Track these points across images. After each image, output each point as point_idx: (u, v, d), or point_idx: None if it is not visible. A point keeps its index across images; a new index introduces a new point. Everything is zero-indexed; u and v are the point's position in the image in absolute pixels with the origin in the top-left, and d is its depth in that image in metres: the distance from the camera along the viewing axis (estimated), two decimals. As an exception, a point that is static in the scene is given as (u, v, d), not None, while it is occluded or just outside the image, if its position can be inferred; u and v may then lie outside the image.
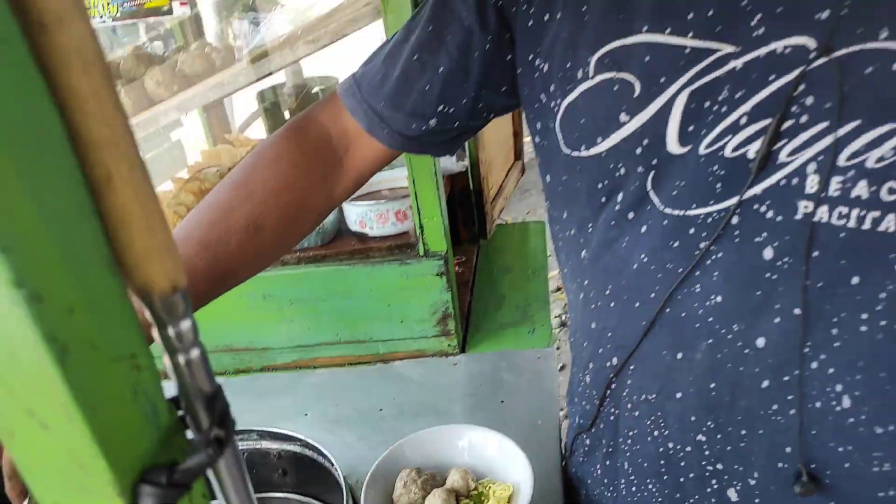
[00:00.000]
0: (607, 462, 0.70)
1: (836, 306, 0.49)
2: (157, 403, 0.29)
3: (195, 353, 0.27)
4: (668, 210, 0.53)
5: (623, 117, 0.52)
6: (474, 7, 0.60)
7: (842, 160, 0.46)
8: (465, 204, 1.55)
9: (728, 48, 0.47)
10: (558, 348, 2.72)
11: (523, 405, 1.02)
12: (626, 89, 0.52)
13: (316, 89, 1.83)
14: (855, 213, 0.47)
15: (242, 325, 1.20)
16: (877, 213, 0.47)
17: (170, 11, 1.05)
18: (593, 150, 0.55)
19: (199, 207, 0.63)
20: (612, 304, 0.60)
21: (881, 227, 0.46)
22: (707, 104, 0.49)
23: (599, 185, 0.57)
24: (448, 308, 1.14)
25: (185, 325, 0.27)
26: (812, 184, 0.48)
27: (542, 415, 0.99)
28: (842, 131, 0.46)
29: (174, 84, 1.07)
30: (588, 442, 0.72)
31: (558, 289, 2.92)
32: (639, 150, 0.53)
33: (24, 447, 0.27)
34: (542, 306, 1.28)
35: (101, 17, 1.05)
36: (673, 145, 0.51)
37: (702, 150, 0.50)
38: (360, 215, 1.16)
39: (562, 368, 2.52)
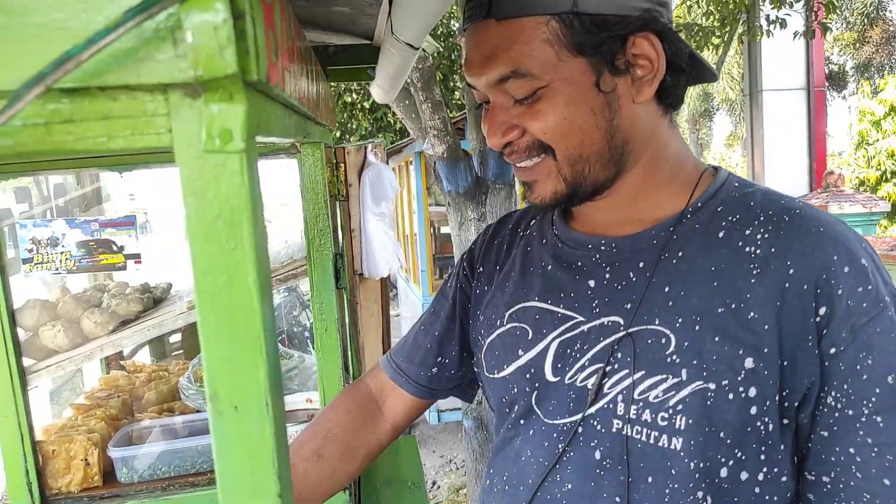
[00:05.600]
0: None
1: (641, 497, 0.68)
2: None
3: None
4: (545, 419, 0.77)
5: (520, 352, 0.80)
6: (452, 292, 0.93)
7: (636, 395, 0.69)
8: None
9: (580, 318, 0.76)
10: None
11: None
12: (523, 334, 0.80)
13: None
14: (645, 430, 0.68)
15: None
16: (655, 433, 0.67)
17: (124, 268, 1.21)
18: (500, 374, 0.81)
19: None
20: (506, 487, 0.81)
21: (660, 443, 0.67)
22: (568, 350, 0.76)
23: (504, 399, 0.82)
24: (348, 522, 1.27)
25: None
26: (620, 409, 0.70)
27: None
28: (636, 376, 0.69)
29: (110, 324, 1.20)
30: None
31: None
32: (528, 376, 0.79)
33: None
34: (424, 514, 1.45)
35: (58, 269, 1.18)
36: (549, 375, 0.78)
37: (566, 380, 0.76)
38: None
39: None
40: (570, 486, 0.74)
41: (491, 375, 0.83)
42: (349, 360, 1.72)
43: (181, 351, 1.89)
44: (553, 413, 0.76)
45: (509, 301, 0.83)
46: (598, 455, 0.72)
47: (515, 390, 0.80)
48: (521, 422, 0.80)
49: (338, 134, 7.61)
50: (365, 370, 1.73)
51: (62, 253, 1.20)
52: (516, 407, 0.80)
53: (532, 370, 0.78)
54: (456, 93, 7.73)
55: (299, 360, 1.62)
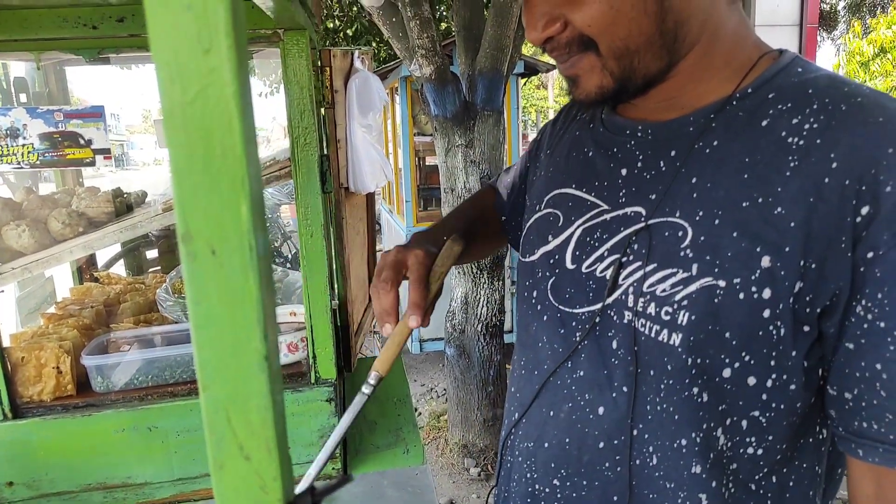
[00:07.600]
0: None
1: (647, 389, 0.68)
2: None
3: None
4: (560, 307, 0.76)
5: (549, 238, 0.79)
6: (527, 158, 1.00)
7: (645, 287, 0.67)
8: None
9: (605, 206, 0.74)
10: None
11: (409, 517, 1.13)
12: (555, 219, 0.79)
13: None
14: (648, 324, 0.67)
15: (120, 460, 1.18)
16: (657, 327, 0.66)
17: (93, 163, 1.12)
18: (530, 259, 0.82)
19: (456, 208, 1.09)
20: (523, 372, 0.82)
21: (660, 338, 0.66)
22: (588, 239, 0.74)
23: (527, 283, 0.82)
24: (334, 432, 1.23)
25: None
26: (631, 301, 0.68)
27: (427, 523, 1.11)
28: (647, 269, 0.67)
29: (79, 226, 1.12)
30: (496, 494, 0.89)
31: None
32: (551, 262, 0.78)
33: (228, 476, 0.38)
34: (411, 429, 1.42)
35: (20, 164, 1.08)
36: (568, 263, 0.76)
37: (583, 269, 0.74)
38: (252, 347, 1.24)
39: None
40: (581, 373, 0.73)
41: (523, 259, 0.84)
42: (335, 276, 1.66)
43: (158, 268, 1.82)
44: (569, 301, 0.75)
45: (550, 185, 0.83)
46: (614, 345, 0.71)
47: (539, 275, 0.80)
48: (538, 307, 0.80)
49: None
50: (350, 289, 1.68)
51: (24, 146, 1.09)
52: (535, 292, 0.81)
53: (556, 256, 0.78)
54: (443, 24, 7.47)
55: (283, 273, 1.56)
